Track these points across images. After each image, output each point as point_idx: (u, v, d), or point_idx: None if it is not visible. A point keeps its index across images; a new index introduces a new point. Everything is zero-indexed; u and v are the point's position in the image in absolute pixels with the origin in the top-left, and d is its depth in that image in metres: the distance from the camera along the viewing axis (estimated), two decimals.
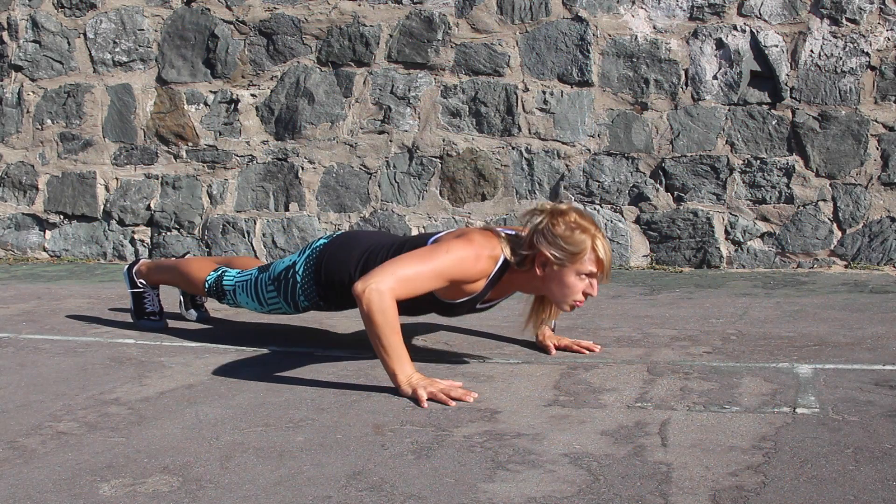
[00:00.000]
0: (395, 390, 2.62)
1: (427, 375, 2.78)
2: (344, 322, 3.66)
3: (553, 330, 3.12)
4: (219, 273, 3.28)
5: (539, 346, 3.09)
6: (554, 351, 3.03)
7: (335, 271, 2.94)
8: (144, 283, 3.55)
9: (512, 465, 2.05)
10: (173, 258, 3.80)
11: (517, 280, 2.77)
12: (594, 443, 2.18)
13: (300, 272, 3.02)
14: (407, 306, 2.76)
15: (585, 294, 2.71)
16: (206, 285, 3.29)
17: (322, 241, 3.05)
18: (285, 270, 3.07)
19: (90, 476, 2.04)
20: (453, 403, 2.48)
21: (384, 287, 2.55)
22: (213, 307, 3.85)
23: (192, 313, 3.69)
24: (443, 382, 2.57)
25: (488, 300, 2.87)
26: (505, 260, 2.72)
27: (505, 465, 2.06)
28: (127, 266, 3.61)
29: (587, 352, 3.04)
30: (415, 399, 2.52)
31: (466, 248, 2.67)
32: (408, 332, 3.39)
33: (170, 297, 3.79)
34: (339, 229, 5.18)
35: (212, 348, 3.23)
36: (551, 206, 2.72)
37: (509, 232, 2.81)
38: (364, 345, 3.22)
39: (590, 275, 2.67)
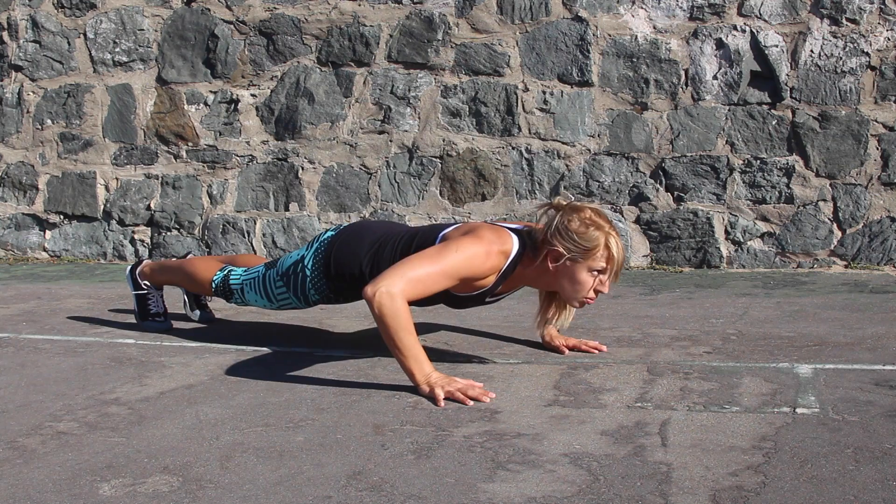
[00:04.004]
0: (395, 390, 2.63)
1: None
2: (344, 322, 3.66)
3: (559, 330, 3.12)
4: (225, 272, 3.27)
5: (548, 348, 3.08)
6: (567, 350, 3.04)
7: (345, 263, 2.94)
8: (149, 284, 3.53)
9: (512, 465, 2.05)
10: (175, 259, 3.78)
11: (529, 275, 2.77)
12: (594, 443, 2.18)
13: (309, 266, 3.02)
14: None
15: (597, 291, 2.72)
16: (213, 285, 3.28)
17: (330, 234, 3.05)
18: (294, 265, 3.07)
19: (90, 476, 2.04)
20: (470, 403, 2.49)
21: (395, 290, 2.55)
22: (216, 307, 3.85)
23: (197, 313, 3.67)
24: (461, 381, 2.56)
25: (498, 293, 2.87)
26: (516, 254, 2.72)
27: (505, 465, 2.06)
28: (129, 268, 3.59)
29: (596, 351, 3.04)
30: (432, 398, 2.52)
31: (476, 245, 2.66)
32: None
33: (171, 298, 3.78)
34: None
35: (212, 348, 3.23)
36: (568, 202, 2.74)
37: (518, 227, 2.82)
38: (364, 345, 3.22)
39: (601, 272, 2.69)
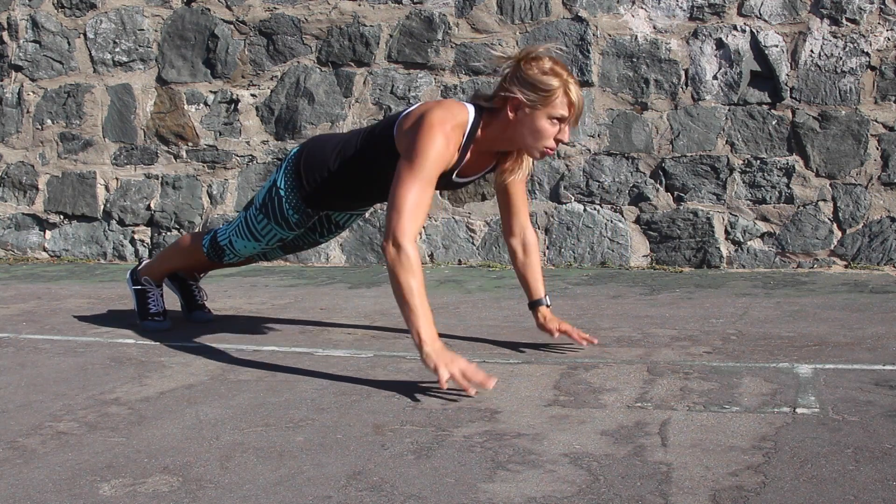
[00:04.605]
0: (395, 390, 2.63)
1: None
2: (344, 321, 3.66)
3: (549, 307, 3.09)
4: (211, 234, 3.37)
5: (542, 329, 3.06)
6: (557, 333, 3.01)
7: (315, 168, 3.03)
8: (149, 279, 3.54)
9: (512, 465, 2.05)
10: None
11: (490, 135, 2.79)
12: (594, 443, 2.18)
13: (282, 185, 3.10)
14: (383, 189, 2.83)
15: (557, 140, 2.75)
16: (205, 250, 3.37)
17: (295, 150, 3.16)
18: (268, 192, 3.16)
19: (90, 476, 2.04)
20: (473, 392, 2.48)
21: (403, 238, 2.56)
22: (215, 307, 3.85)
23: (196, 314, 3.67)
24: (464, 361, 2.53)
25: (465, 174, 2.90)
26: (474, 121, 2.75)
27: (505, 465, 2.06)
28: (129, 271, 3.63)
29: (585, 343, 3.00)
30: (434, 377, 2.51)
31: (434, 139, 2.65)
32: None
33: (171, 298, 3.79)
34: None
35: (212, 348, 3.23)
36: (525, 51, 2.75)
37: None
38: (364, 345, 3.23)
39: (561, 119, 2.71)
